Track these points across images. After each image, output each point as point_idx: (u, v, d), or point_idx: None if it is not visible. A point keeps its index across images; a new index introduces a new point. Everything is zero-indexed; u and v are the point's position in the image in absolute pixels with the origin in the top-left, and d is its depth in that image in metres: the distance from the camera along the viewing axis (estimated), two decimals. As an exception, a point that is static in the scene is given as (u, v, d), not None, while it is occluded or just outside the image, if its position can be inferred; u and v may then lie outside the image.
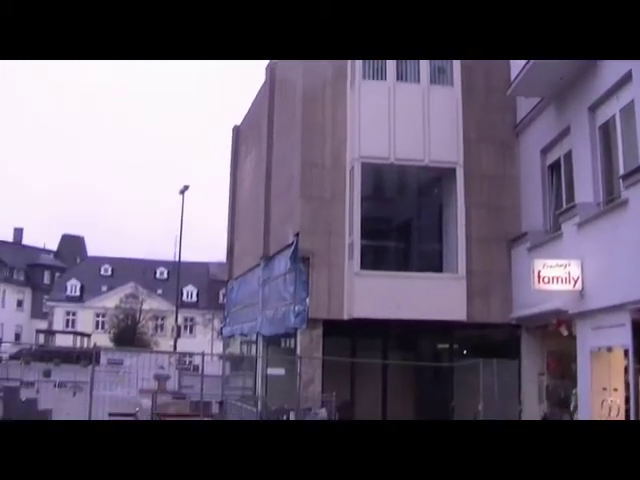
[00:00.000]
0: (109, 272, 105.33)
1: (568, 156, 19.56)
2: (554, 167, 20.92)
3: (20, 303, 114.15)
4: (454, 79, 22.47)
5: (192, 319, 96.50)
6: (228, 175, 36.14)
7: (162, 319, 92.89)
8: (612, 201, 17.00)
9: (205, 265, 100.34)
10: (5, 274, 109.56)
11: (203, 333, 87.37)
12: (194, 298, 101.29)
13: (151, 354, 23.49)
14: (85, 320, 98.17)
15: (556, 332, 19.36)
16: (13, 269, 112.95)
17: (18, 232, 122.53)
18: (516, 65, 19.57)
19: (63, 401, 32.86)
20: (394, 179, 24.48)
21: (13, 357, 51.06)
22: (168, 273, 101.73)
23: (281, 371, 23.22)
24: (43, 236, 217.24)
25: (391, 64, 22.00)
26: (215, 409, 30.84)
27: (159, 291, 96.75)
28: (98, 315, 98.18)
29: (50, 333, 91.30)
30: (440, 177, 23.23)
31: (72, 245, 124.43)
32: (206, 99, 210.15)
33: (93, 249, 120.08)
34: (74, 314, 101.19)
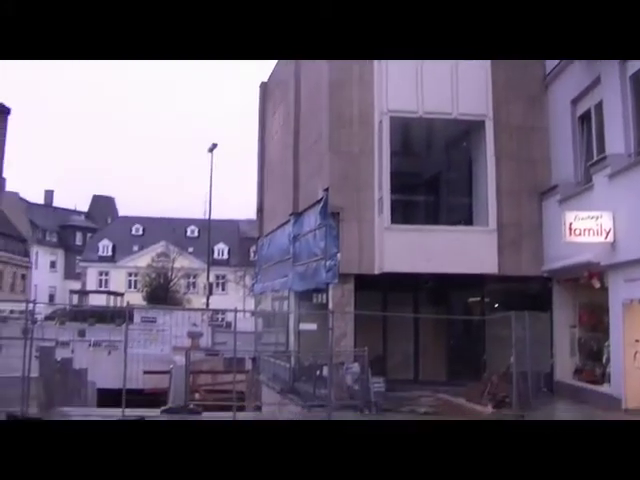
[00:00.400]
0: (140, 232, 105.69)
1: (599, 106, 19.34)
2: (584, 118, 20.71)
3: (53, 264, 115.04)
4: (483, 31, 22.20)
5: (223, 277, 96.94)
6: (256, 132, 36.11)
7: (194, 277, 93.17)
8: (644, 151, 16.85)
9: (235, 223, 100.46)
10: (38, 236, 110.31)
11: (235, 290, 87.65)
12: (225, 256, 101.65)
13: (184, 312, 23.60)
14: (118, 280, 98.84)
15: (588, 284, 19.31)
16: (45, 231, 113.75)
17: (49, 194, 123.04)
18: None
19: (98, 360, 33.40)
20: (423, 133, 24.36)
21: (48, 318, 51.42)
22: (199, 231, 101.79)
23: (313, 326, 23.33)
24: (74, 198, 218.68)
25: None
26: (248, 365, 31.22)
27: (190, 249, 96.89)
28: (130, 274, 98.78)
29: (83, 293, 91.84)
30: (469, 130, 23.09)
31: (103, 206, 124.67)
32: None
33: (124, 209, 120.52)
34: (107, 274, 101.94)
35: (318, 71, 23.88)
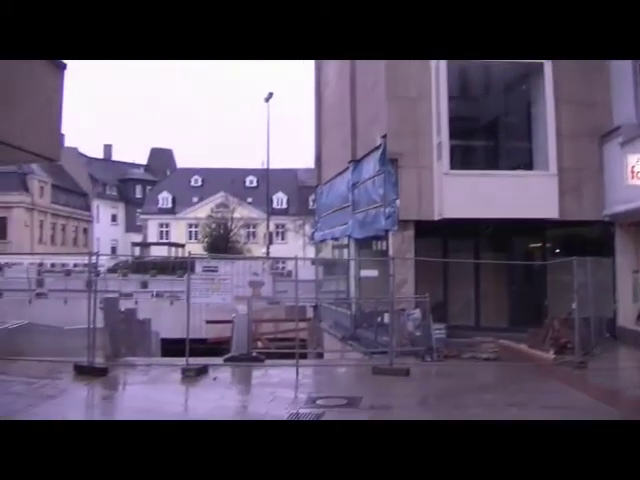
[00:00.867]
0: (199, 183, 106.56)
1: (662, 45, 18.87)
2: (647, 58, 20.26)
3: (114, 218, 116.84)
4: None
5: (283, 226, 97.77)
6: (312, 80, 36.01)
7: (253, 227, 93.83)
8: None
9: (293, 172, 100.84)
10: (98, 190, 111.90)
11: (294, 239, 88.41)
12: (284, 205, 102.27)
13: (245, 261, 23.81)
14: (178, 231, 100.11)
15: (651, 228, 19.06)
16: (105, 185, 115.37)
17: (107, 148, 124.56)
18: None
19: (161, 311, 33.97)
20: (480, 77, 24.10)
21: (111, 270, 52.34)
22: (257, 181, 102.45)
23: (374, 273, 23.41)
24: (132, 151, 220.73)
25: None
26: (309, 313, 31.49)
27: (249, 199, 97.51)
28: (190, 226, 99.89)
29: (145, 245, 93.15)
30: (527, 73, 22.73)
31: (161, 158, 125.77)
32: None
33: (182, 161, 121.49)
34: (167, 226, 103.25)
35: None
